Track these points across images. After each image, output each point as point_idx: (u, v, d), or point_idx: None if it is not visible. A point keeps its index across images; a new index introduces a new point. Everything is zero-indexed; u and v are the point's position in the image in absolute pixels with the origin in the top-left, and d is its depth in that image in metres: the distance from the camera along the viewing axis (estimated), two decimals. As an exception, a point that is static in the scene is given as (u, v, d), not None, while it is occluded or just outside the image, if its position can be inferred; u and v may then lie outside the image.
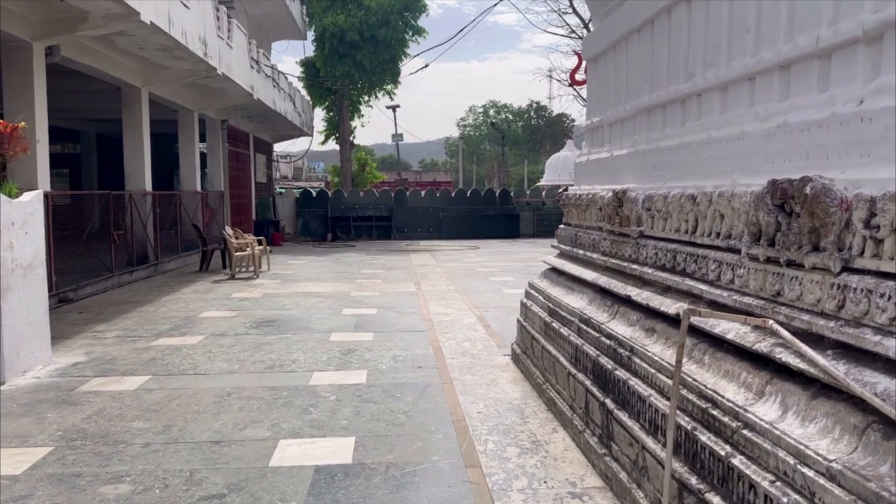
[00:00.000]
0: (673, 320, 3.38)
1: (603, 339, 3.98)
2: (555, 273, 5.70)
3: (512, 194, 26.37)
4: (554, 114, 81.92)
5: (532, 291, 5.96)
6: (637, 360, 3.44)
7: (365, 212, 24.76)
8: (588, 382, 4.07)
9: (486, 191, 26.79)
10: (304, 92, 27.51)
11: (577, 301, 4.77)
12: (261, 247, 13.62)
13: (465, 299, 9.91)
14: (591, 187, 5.23)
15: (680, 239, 3.51)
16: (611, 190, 4.62)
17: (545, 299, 5.43)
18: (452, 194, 26.31)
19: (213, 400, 5.14)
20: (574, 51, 28.57)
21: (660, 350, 3.31)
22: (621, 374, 3.58)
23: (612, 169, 4.84)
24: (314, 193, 25.65)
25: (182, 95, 15.51)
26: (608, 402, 3.70)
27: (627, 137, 4.68)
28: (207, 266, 13.86)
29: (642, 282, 3.90)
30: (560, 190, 6.32)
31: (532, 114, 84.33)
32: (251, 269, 13.08)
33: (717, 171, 3.28)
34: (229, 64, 14.16)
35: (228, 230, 13.73)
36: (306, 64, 28.89)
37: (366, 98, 29.92)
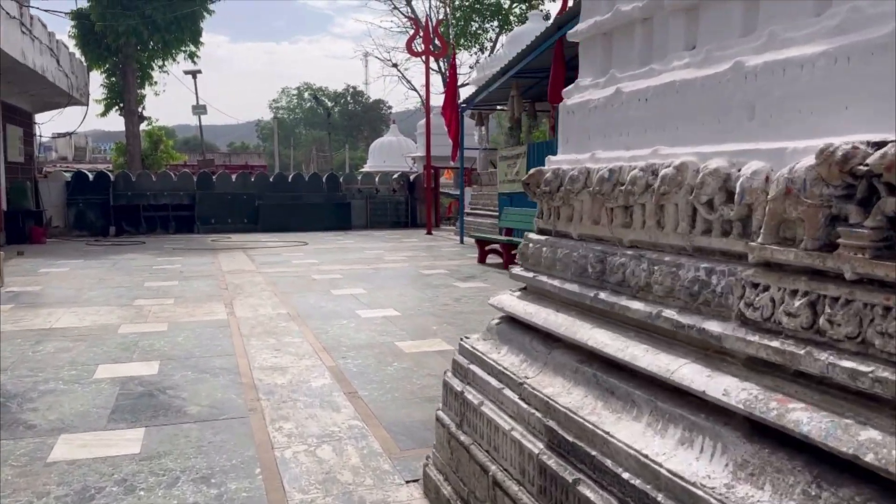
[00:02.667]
0: None
1: None
2: (534, 337, 2.68)
3: (341, 180, 23.03)
4: (371, 100, 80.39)
5: (477, 371, 2.89)
6: None
7: (159, 199, 20.20)
8: None
9: (310, 175, 23.25)
10: (77, 51, 22.12)
11: (677, 455, 1.79)
12: (-14, 253, 9.26)
13: (306, 333, 6.61)
14: (636, 153, 2.27)
15: None
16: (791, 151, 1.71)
17: (530, 405, 2.40)
18: (271, 179, 22.44)
19: None
20: (410, 17, 25.83)
21: None
22: None
23: (737, 103, 1.90)
24: (91, 177, 20.55)
25: None
26: None
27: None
28: None
29: None
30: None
31: (349, 98, 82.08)
32: (-31, 286, 8.75)
33: None
34: (-69, -19, 9.51)
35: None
36: (80, 16, 23.36)
37: (160, 62, 24.95)
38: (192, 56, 25.64)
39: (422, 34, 20.37)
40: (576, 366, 2.34)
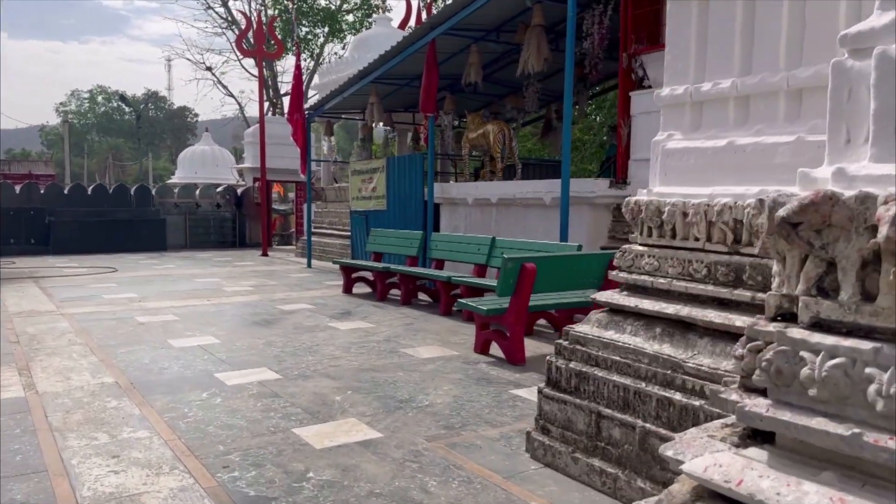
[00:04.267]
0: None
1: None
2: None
3: (154, 193, 19.96)
4: (175, 106, 75.11)
5: None
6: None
7: (-86, 215, 16.07)
8: None
9: (115, 187, 19.93)
10: None
11: None
12: None
13: (154, 419, 4.53)
14: None
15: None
16: None
17: None
18: (65, 191, 18.87)
19: None
20: (243, 13, 23.42)
21: None
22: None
23: None
24: None
25: None
26: None
27: None
28: None
29: None
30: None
31: (150, 104, 75.90)
32: None
33: None
34: None
35: None
36: None
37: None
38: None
39: (254, 31, 18.14)
40: None
